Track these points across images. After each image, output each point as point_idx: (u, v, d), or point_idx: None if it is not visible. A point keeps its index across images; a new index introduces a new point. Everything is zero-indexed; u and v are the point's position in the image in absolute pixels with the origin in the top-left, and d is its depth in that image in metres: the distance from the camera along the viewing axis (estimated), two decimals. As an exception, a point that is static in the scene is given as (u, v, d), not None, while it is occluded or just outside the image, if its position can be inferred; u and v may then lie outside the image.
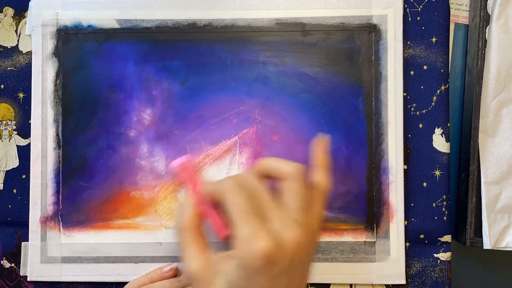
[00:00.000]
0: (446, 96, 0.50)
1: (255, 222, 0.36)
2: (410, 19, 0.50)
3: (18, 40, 0.52)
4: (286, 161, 0.40)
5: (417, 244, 0.50)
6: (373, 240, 0.49)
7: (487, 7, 0.50)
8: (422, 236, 0.49)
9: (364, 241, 0.49)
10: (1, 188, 0.51)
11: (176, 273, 0.49)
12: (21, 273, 0.50)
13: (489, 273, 0.53)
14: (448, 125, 0.50)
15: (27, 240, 0.50)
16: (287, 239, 0.36)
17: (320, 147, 0.44)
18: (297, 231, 0.37)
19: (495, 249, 0.49)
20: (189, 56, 0.50)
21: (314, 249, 0.41)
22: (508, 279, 0.53)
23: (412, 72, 0.50)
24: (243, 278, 0.36)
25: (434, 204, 0.49)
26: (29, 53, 0.51)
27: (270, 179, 0.40)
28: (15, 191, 0.51)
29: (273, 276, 0.36)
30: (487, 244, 0.49)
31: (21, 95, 0.51)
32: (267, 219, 0.37)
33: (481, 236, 0.49)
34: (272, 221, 0.37)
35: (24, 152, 0.51)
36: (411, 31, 0.50)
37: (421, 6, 0.50)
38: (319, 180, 0.42)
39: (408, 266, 0.49)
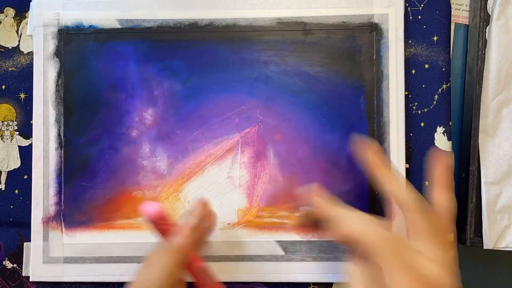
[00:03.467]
0: (448, 95, 0.50)
1: (410, 274, 0.35)
2: (411, 18, 0.50)
3: (19, 41, 0.52)
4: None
5: (419, 242, 0.49)
6: (375, 239, 0.49)
7: (487, 7, 0.50)
8: (424, 234, 0.49)
9: (367, 240, 0.49)
10: (3, 189, 0.51)
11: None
12: (23, 274, 0.50)
13: (489, 273, 0.53)
14: (450, 123, 0.50)
15: (29, 241, 0.50)
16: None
17: (442, 163, 0.41)
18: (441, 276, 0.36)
19: (495, 249, 0.49)
20: (190, 56, 0.50)
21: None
22: (508, 279, 0.53)
23: (413, 71, 0.50)
24: None
25: (436, 203, 0.49)
26: (30, 54, 0.51)
27: None
28: (17, 191, 0.51)
29: None
30: (487, 244, 0.49)
31: (22, 95, 0.51)
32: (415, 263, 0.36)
33: (481, 236, 0.49)
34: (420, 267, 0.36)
35: (25, 153, 0.51)
36: (412, 30, 0.50)
37: (422, 5, 0.50)
38: (443, 201, 0.40)
39: (410, 264, 0.49)
